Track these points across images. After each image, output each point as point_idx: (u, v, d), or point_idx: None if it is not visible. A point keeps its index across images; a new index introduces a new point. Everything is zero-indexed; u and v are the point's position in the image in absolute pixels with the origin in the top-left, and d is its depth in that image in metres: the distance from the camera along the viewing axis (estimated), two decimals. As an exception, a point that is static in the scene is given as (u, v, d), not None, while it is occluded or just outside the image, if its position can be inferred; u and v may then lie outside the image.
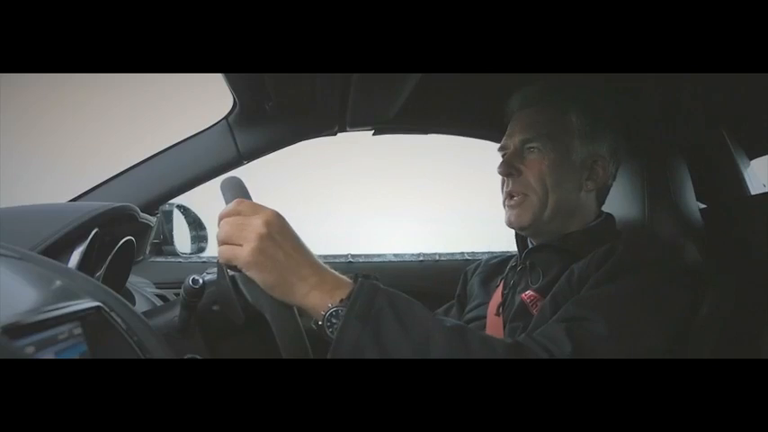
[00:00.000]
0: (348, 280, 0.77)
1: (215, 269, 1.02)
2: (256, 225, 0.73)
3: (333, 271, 0.78)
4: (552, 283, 1.00)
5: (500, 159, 1.11)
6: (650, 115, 1.31)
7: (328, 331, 0.73)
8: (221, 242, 0.75)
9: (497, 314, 1.08)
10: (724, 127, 1.28)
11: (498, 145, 1.15)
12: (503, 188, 1.11)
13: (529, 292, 1.03)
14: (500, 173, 1.09)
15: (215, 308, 0.95)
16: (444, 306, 1.32)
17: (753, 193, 1.26)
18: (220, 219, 0.76)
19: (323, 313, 0.74)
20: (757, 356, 1.00)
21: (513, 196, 1.08)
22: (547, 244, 1.08)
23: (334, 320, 0.73)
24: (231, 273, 0.92)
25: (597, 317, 0.82)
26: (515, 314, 1.03)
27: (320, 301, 0.74)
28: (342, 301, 0.74)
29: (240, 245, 0.73)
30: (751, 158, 1.43)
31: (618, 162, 1.12)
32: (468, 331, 0.77)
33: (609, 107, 1.11)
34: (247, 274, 0.74)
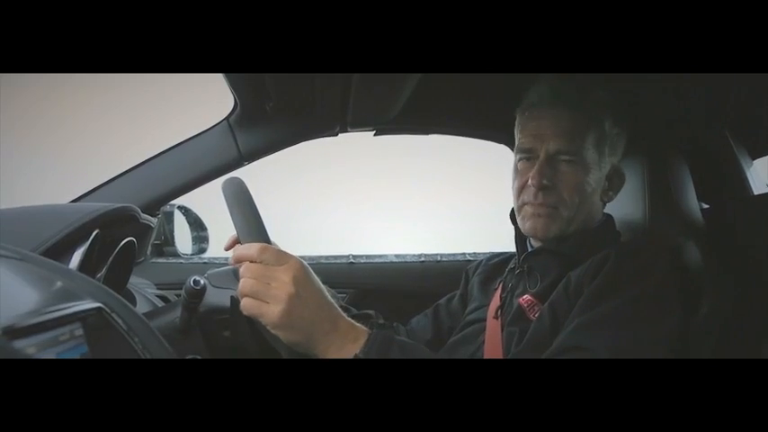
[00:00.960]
0: (364, 330, 0.78)
1: (216, 271, 1.02)
2: (285, 283, 0.72)
3: (349, 320, 0.78)
4: (549, 287, 1.00)
5: (501, 160, 1.10)
6: (651, 115, 1.30)
7: None
8: (245, 294, 0.73)
9: (496, 317, 1.07)
10: (726, 126, 1.28)
11: (499, 145, 1.14)
12: (519, 192, 1.06)
13: (526, 297, 1.02)
14: (534, 185, 1.01)
15: (226, 334, 0.95)
16: (447, 296, 1.32)
17: (755, 193, 1.25)
18: (238, 259, 0.75)
19: None
20: (758, 356, 1.00)
21: (544, 209, 1.02)
22: (545, 248, 1.07)
23: None
24: None
25: (597, 345, 0.82)
26: (512, 319, 1.02)
27: (337, 356, 0.75)
28: (356, 356, 0.75)
29: (267, 302, 0.72)
30: (753, 158, 1.42)
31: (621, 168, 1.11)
32: None
33: (629, 113, 1.08)
34: (273, 332, 0.73)
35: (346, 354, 0.75)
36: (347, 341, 0.76)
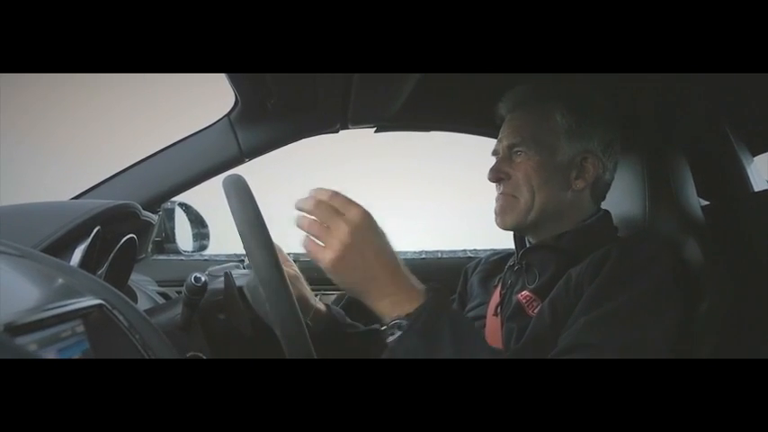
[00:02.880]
0: (421, 290, 0.81)
1: (218, 267, 1.02)
2: (342, 232, 0.76)
3: (409, 278, 0.81)
4: (547, 283, 1.00)
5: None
6: (651, 110, 1.30)
7: (388, 338, 0.78)
8: (304, 229, 0.78)
9: (495, 314, 1.08)
10: (727, 122, 1.28)
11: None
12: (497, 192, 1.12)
13: (524, 293, 1.03)
14: (489, 179, 1.11)
15: (221, 316, 0.96)
16: None
17: (756, 189, 1.25)
18: (307, 204, 0.78)
19: (387, 322, 0.78)
20: (758, 354, 1.00)
21: (503, 197, 1.09)
22: (542, 244, 1.08)
23: (396, 330, 0.77)
24: (239, 284, 0.93)
25: (607, 342, 0.83)
26: (511, 315, 1.03)
27: (389, 310, 0.78)
28: (408, 315, 0.77)
29: (323, 246, 0.76)
30: (754, 154, 1.42)
31: (614, 156, 1.11)
32: None
33: (599, 101, 1.11)
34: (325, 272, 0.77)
35: (399, 310, 0.77)
36: (399, 297, 0.79)
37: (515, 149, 1.08)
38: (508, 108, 1.14)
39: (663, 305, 0.89)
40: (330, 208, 0.77)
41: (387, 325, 0.78)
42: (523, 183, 1.06)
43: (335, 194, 0.77)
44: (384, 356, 0.76)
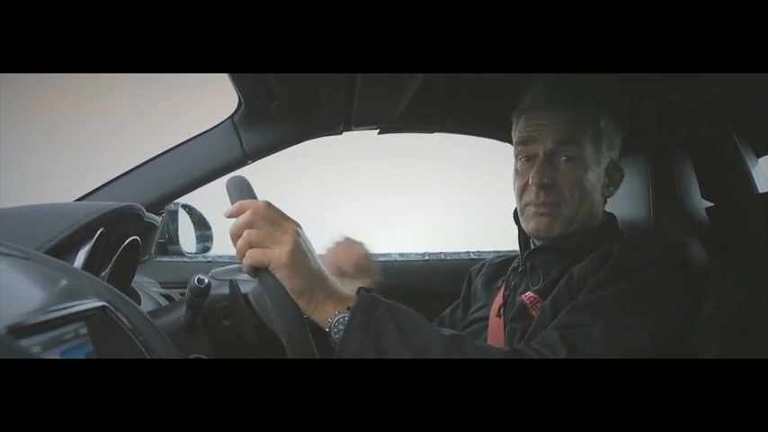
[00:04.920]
0: (352, 294, 0.80)
1: (221, 269, 1.02)
2: (290, 229, 0.74)
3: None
4: (552, 284, 1.00)
5: (506, 160, 1.10)
6: (656, 112, 1.30)
7: (335, 337, 0.75)
8: (251, 245, 0.73)
9: (498, 316, 1.08)
10: (732, 124, 1.27)
11: (504, 144, 1.14)
12: (521, 194, 1.07)
13: (529, 294, 1.02)
14: (535, 184, 1.02)
15: (226, 323, 0.96)
16: (450, 306, 1.32)
17: (761, 191, 1.25)
18: (241, 208, 0.76)
19: (330, 320, 0.76)
20: (762, 356, 0.99)
21: (545, 207, 1.03)
22: (547, 246, 1.07)
23: (340, 327, 0.75)
24: (245, 291, 0.92)
25: (591, 321, 0.83)
26: (515, 316, 1.02)
27: (333, 308, 0.76)
28: (348, 308, 0.76)
29: (272, 248, 0.73)
30: (759, 156, 1.42)
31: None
32: (466, 340, 0.79)
33: (626, 109, 1.09)
34: (278, 276, 0.74)
35: (338, 307, 0.76)
36: (339, 295, 0.77)
37: (561, 155, 1.02)
38: (544, 101, 1.06)
39: (661, 300, 0.89)
40: (266, 217, 0.75)
41: (329, 325, 0.76)
42: (570, 193, 1.02)
43: (269, 205, 0.76)
44: (335, 355, 0.75)
